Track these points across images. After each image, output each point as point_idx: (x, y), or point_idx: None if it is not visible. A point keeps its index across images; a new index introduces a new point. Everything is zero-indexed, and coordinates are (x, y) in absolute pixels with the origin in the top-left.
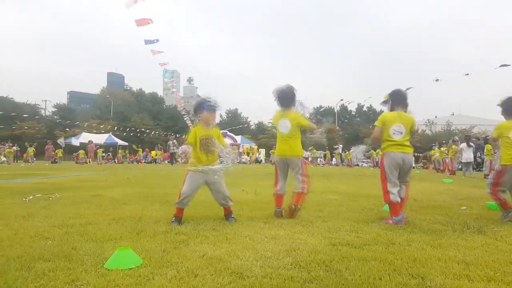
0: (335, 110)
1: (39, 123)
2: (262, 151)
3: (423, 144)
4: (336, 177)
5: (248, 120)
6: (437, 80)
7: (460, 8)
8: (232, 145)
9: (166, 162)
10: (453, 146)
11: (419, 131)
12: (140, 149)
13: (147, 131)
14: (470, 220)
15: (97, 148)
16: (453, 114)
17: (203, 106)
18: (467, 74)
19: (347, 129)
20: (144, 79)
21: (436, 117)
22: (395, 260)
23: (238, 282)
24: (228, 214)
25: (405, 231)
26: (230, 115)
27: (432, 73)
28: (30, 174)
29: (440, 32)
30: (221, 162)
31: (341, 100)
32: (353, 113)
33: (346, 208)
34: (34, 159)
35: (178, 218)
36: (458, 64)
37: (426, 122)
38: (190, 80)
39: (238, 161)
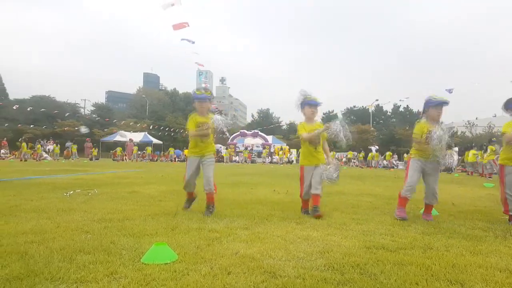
0: (370, 111)
1: (79, 121)
2: (293, 151)
3: (462, 146)
4: (370, 179)
5: (280, 120)
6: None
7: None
8: (263, 144)
9: None
10: (490, 147)
11: (459, 133)
12: (172, 148)
13: (181, 130)
14: None
15: (133, 146)
16: (495, 116)
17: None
18: None
19: (382, 130)
20: (178, 79)
21: (476, 118)
22: (432, 266)
23: (271, 281)
24: (208, 205)
25: (443, 236)
26: (261, 115)
27: (472, 73)
28: (70, 170)
29: (481, 30)
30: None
31: (376, 100)
32: (388, 113)
33: (381, 211)
34: (76, 156)
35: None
36: (497, 63)
37: (465, 124)
38: (222, 80)
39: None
